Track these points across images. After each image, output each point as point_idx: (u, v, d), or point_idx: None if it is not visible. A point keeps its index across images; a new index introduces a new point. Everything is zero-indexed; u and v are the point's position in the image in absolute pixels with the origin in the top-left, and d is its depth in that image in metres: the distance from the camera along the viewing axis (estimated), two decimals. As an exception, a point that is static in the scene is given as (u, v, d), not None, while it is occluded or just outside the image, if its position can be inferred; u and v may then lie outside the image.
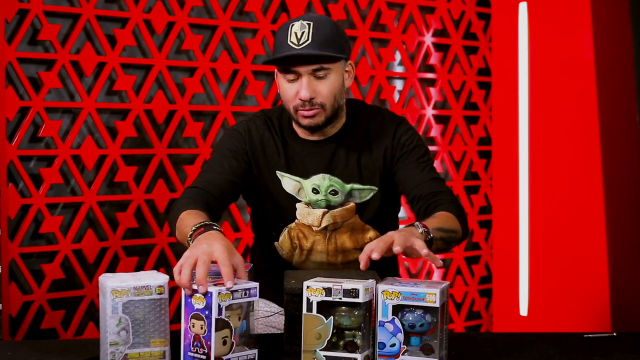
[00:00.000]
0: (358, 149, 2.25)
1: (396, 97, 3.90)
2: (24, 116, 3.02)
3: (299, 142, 2.26)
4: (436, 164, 3.95)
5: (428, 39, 3.96)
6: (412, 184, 2.20)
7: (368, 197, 2.24)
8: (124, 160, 3.23)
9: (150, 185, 3.29)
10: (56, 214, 3.11)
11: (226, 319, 1.73)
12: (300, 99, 2.12)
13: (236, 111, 3.45)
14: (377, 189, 2.24)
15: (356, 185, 2.23)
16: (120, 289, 1.76)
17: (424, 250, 1.80)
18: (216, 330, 1.72)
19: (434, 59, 3.98)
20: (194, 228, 1.90)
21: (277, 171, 2.24)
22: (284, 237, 2.26)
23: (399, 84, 3.92)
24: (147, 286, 1.77)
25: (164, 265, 3.33)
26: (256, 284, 1.78)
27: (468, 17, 4.07)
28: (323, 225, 2.22)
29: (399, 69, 3.92)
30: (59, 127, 3.09)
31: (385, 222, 2.29)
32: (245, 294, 1.77)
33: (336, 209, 2.22)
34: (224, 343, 1.74)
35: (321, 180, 2.22)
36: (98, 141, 3.18)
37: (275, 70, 2.19)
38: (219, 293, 1.72)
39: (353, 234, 2.25)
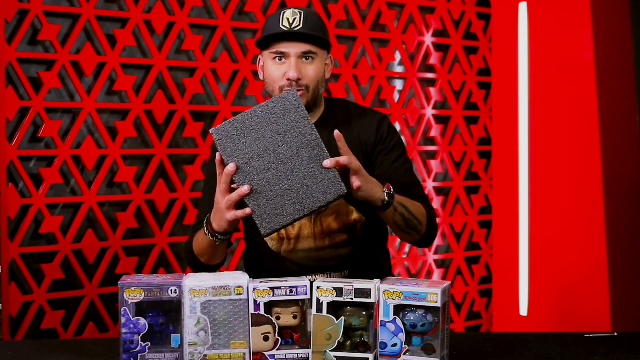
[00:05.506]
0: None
1: (396, 97, 3.90)
2: (24, 116, 3.02)
3: None
4: (436, 163, 3.95)
5: (428, 39, 3.96)
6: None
7: None
8: (124, 160, 3.23)
9: (150, 185, 3.28)
10: (56, 214, 3.11)
11: (266, 315, 1.74)
12: (288, 79, 2.20)
13: (236, 111, 3.45)
14: None
15: None
16: (198, 288, 1.75)
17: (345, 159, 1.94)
18: (254, 326, 1.74)
19: (434, 59, 3.98)
20: (205, 222, 2.06)
21: None
22: None
23: (399, 84, 3.92)
24: (226, 286, 1.76)
25: (164, 265, 3.33)
26: (307, 282, 1.79)
27: (468, 17, 4.07)
28: None
29: (399, 69, 3.92)
30: (59, 127, 3.09)
31: (368, 203, 2.30)
32: (292, 291, 1.77)
33: None
34: (266, 339, 1.75)
35: None
36: (98, 141, 3.18)
37: (260, 55, 2.26)
38: (254, 289, 1.74)
39: (339, 217, 2.27)
